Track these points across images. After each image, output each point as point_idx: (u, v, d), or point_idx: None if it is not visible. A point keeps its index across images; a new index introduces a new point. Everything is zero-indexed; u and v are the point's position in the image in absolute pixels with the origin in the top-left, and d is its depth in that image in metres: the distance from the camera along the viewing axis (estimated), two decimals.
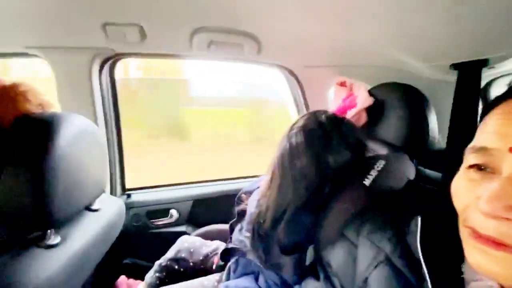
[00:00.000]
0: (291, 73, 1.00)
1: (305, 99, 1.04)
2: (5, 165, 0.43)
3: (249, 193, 0.70)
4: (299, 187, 0.54)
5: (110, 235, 0.69)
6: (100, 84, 0.90)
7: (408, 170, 0.58)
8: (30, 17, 0.66)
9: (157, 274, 0.83)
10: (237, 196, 0.75)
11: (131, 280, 0.90)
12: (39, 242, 0.48)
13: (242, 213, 0.69)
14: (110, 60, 0.89)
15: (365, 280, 0.40)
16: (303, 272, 0.51)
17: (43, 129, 0.46)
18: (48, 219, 0.45)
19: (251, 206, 0.63)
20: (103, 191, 0.66)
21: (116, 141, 1.01)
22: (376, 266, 0.39)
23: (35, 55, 0.78)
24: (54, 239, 0.49)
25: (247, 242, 0.59)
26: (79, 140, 0.52)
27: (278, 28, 0.73)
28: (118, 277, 0.93)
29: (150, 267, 0.87)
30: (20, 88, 0.51)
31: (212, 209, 1.12)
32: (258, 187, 0.66)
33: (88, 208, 0.63)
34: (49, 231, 0.49)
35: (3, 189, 0.43)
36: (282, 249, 0.53)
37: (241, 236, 0.64)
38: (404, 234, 0.38)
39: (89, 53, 0.81)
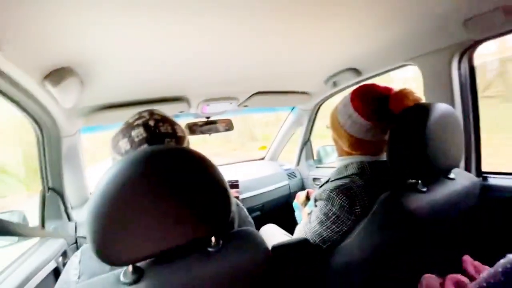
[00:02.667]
0: None
1: None
2: (402, 138, 0.72)
3: None
4: None
5: (462, 204, 0.80)
6: (459, 74, 1.02)
7: None
8: (414, 38, 0.97)
9: None
10: None
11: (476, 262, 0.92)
12: (415, 187, 0.73)
13: None
14: (468, 50, 0.97)
15: None
16: None
17: (421, 114, 0.70)
18: (420, 173, 0.71)
19: None
20: (457, 166, 0.79)
21: (473, 125, 1.06)
22: None
23: (410, 64, 1.11)
24: (423, 188, 0.74)
25: None
26: (441, 121, 0.71)
27: None
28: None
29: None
30: (405, 91, 0.80)
31: None
32: None
33: (445, 176, 0.81)
34: (419, 181, 0.74)
35: (397, 152, 0.74)
36: None
37: None
38: None
39: (449, 50, 0.97)
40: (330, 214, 0.78)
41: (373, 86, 0.82)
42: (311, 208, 0.90)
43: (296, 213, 1.21)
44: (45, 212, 1.16)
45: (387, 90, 0.80)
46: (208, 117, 1.55)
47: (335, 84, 1.41)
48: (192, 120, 1.58)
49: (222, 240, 0.53)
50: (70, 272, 0.56)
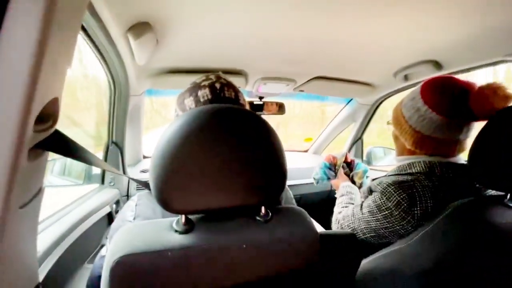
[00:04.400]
0: None
1: None
2: (495, 141, 0.60)
3: None
4: None
5: None
6: None
7: None
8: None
9: None
10: None
11: None
12: (501, 200, 0.62)
13: None
14: None
15: None
16: None
17: None
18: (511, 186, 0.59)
19: None
20: None
21: None
22: None
23: (509, 61, 0.93)
24: (511, 203, 0.62)
25: None
26: None
27: None
28: None
29: None
30: (493, 85, 0.65)
31: None
32: None
33: None
34: (509, 195, 0.62)
35: (484, 157, 0.63)
36: None
37: None
38: None
39: None
40: (383, 208, 0.72)
41: (450, 77, 0.72)
42: (362, 199, 0.84)
43: (319, 172, 1.18)
44: (107, 162, 1.29)
45: (469, 85, 0.69)
46: (261, 97, 1.53)
47: (406, 77, 1.26)
48: (246, 99, 1.59)
49: (271, 213, 0.51)
50: (126, 213, 0.60)
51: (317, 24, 0.83)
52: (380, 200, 0.72)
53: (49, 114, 0.40)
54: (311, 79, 1.34)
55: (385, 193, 0.72)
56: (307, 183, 1.81)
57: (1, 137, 0.32)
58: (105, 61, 0.87)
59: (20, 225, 0.41)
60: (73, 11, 0.40)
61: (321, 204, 1.84)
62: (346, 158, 1.20)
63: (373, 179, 0.82)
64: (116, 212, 1.23)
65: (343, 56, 1.11)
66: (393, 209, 0.69)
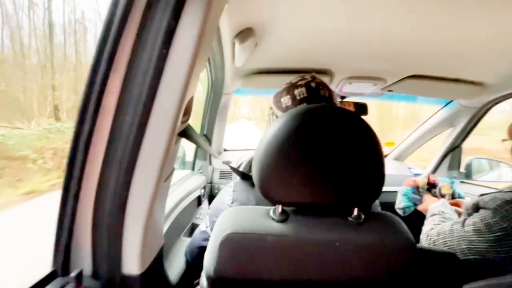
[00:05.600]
0: None
1: None
2: None
3: None
4: None
5: None
6: None
7: None
8: None
9: None
10: None
11: None
12: None
13: None
14: None
15: None
16: None
17: None
18: None
19: None
20: None
21: None
22: None
23: None
24: None
25: None
26: None
27: None
28: None
29: None
30: None
31: None
32: None
33: None
34: None
35: None
36: None
37: None
38: None
39: None
40: (495, 229, 0.62)
41: None
42: (463, 216, 0.74)
43: (403, 200, 1.06)
44: (197, 152, 1.48)
45: None
46: (343, 97, 1.48)
47: None
48: None
49: (364, 216, 0.51)
50: (225, 197, 0.68)
51: (417, 18, 0.75)
52: (492, 219, 0.63)
53: (187, 109, 0.50)
54: (404, 78, 1.22)
55: (499, 211, 0.62)
56: (387, 191, 1.66)
57: (165, 126, 0.42)
58: (209, 63, 1.00)
59: (161, 196, 0.52)
60: (211, 24, 0.49)
61: (404, 217, 1.66)
62: (428, 179, 1.06)
63: (481, 194, 0.71)
64: (204, 196, 1.40)
65: (447, 52, 0.97)
66: (510, 231, 0.60)
